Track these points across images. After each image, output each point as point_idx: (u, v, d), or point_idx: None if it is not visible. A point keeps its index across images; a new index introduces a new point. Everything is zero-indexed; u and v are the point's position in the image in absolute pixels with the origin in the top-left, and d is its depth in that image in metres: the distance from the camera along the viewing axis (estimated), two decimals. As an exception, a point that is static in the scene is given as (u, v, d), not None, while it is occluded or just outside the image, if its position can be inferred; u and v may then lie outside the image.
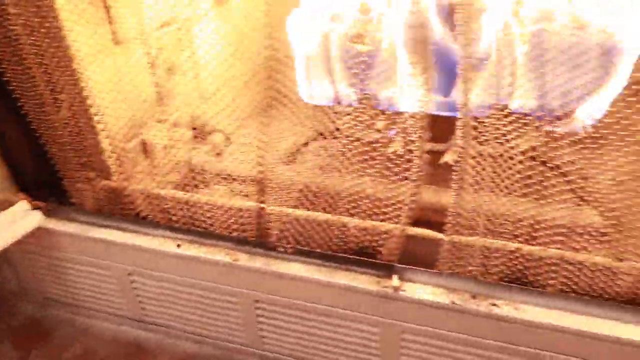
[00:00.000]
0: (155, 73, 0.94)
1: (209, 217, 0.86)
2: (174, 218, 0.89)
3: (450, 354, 0.79)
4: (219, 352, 0.98)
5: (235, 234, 0.85)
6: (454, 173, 0.68)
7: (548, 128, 0.75)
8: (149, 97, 0.96)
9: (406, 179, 0.71)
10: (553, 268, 0.72)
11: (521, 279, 0.75)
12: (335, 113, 0.80)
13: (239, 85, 0.84)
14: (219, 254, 0.84)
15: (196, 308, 0.93)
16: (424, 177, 0.70)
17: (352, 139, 0.78)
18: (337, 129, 0.80)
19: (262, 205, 0.82)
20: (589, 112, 0.79)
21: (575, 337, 0.69)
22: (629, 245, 0.71)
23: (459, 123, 0.64)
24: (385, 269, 0.78)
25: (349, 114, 0.78)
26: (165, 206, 0.89)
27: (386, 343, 0.82)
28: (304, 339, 0.89)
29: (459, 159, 0.65)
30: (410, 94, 0.66)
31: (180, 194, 0.87)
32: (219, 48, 0.85)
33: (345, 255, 0.81)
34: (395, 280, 0.76)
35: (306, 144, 0.92)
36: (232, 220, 0.84)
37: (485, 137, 0.69)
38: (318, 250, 0.81)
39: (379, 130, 0.73)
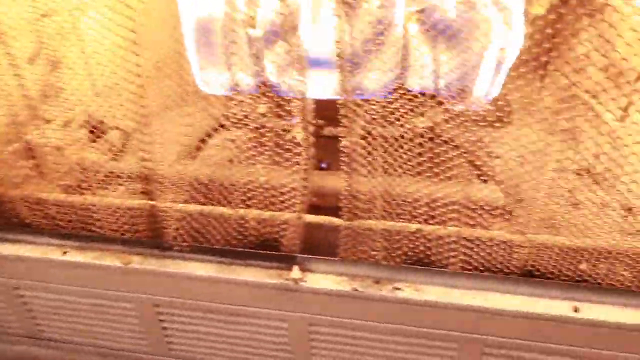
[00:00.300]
0: (36, 68, 0.86)
1: (97, 220, 0.79)
2: (61, 223, 0.81)
3: (358, 341, 0.77)
4: (125, 364, 0.92)
5: (127, 235, 0.79)
6: (342, 156, 0.65)
7: (445, 106, 0.73)
8: (31, 95, 0.88)
9: (297, 164, 0.67)
10: (453, 246, 0.71)
11: (423, 260, 0.73)
12: (233, 102, 0.75)
13: (141, 79, 0.77)
14: (108, 259, 0.78)
15: (94, 318, 0.86)
16: (312, 162, 0.67)
17: (248, 127, 0.73)
18: (235, 119, 0.75)
19: (153, 202, 0.76)
20: (486, 89, 0.78)
21: (475, 313, 0.69)
22: (529, 219, 0.71)
23: (341, 105, 0.61)
24: (287, 261, 0.74)
25: (243, 102, 0.74)
26: (50, 211, 0.81)
27: (295, 336, 0.79)
28: (212, 341, 0.84)
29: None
30: (290, 78, 0.63)
31: (65, 198, 0.80)
32: (113, 40, 0.78)
33: (246, 249, 0.77)
34: (295, 272, 0.73)
35: (209, 135, 0.87)
36: (122, 222, 0.78)
37: (377, 117, 0.67)
38: (217, 246, 0.77)
39: (263, 115, 0.69)
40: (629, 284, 0.66)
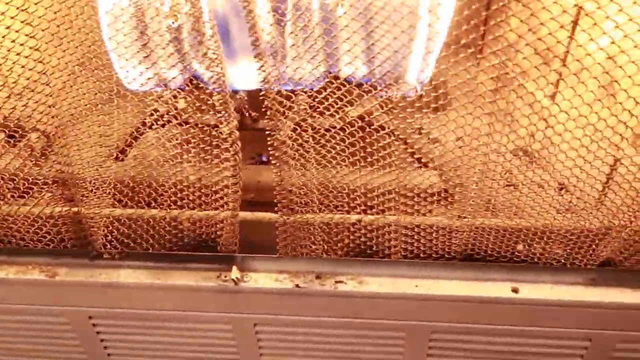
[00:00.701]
0: None
1: (17, 232, 0.73)
2: (-24, 237, 0.75)
3: (306, 337, 0.75)
4: (66, 380, 0.87)
5: (51, 246, 0.73)
6: (272, 149, 0.62)
7: (379, 94, 0.71)
8: None
9: (227, 160, 0.64)
10: (393, 235, 0.70)
11: (365, 251, 0.72)
12: (157, 99, 0.71)
13: (63, 77, 0.71)
14: (32, 273, 0.72)
15: (27, 336, 0.80)
16: (240, 157, 0.63)
17: (175, 124, 0.69)
18: (160, 116, 0.71)
19: (76, 209, 0.71)
20: (419, 74, 0.77)
21: (419, 301, 0.68)
22: (468, 203, 0.71)
23: (266, 97, 0.58)
24: (226, 261, 0.71)
25: (168, 98, 0.69)
26: (-38, 224, 0.74)
27: (242, 338, 0.76)
28: (156, 349, 0.80)
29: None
30: (211, 71, 0.59)
31: (-22, 209, 0.74)
32: (24, 38, 0.72)
33: (182, 252, 0.73)
34: (235, 272, 0.70)
35: (135, 135, 0.82)
36: (45, 231, 0.73)
37: (307, 108, 0.64)
38: (151, 251, 0.73)
39: (186, 110, 0.65)
40: (564, 262, 0.67)
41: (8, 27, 0.63)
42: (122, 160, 0.83)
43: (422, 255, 0.71)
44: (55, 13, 0.62)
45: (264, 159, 0.96)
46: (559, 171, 0.67)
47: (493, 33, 0.59)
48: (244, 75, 0.74)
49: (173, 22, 0.72)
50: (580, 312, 0.66)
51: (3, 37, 0.62)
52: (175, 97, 0.63)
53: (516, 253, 0.69)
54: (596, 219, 0.66)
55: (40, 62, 0.66)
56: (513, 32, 0.57)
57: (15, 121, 0.89)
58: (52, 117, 0.72)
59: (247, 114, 0.85)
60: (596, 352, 0.70)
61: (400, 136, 0.80)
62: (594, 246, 0.66)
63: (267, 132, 0.63)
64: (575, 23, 0.71)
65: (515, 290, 0.67)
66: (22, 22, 0.63)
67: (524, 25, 0.57)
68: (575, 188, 0.67)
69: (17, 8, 0.62)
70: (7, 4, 0.62)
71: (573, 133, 0.61)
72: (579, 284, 0.67)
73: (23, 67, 0.66)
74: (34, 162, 0.86)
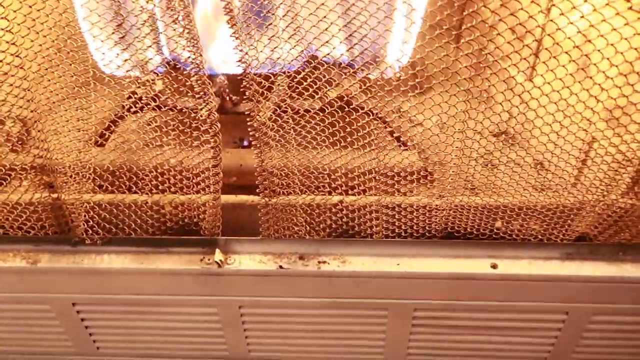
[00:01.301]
0: None
1: (-3, 219, 0.73)
2: (-43, 226, 0.74)
3: (291, 318, 0.76)
4: (52, 367, 0.87)
5: (32, 233, 0.73)
6: (251, 132, 0.62)
7: (357, 74, 0.72)
8: None
9: (207, 143, 0.64)
10: (375, 215, 0.71)
11: (348, 231, 0.73)
12: (135, 82, 0.70)
13: (37, 61, 0.70)
14: (13, 260, 0.71)
15: (11, 325, 0.80)
16: (220, 140, 0.63)
17: (154, 108, 0.69)
18: (139, 99, 0.70)
19: (55, 195, 0.71)
20: (397, 54, 0.77)
21: (401, 279, 0.69)
22: (447, 182, 0.72)
23: (244, 78, 0.58)
24: (209, 244, 0.72)
25: (145, 81, 0.69)
26: (-61, 213, 0.73)
27: (227, 320, 0.77)
28: (140, 335, 0.80)
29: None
30: (187, 53, 0.59)
31: (-45, 197, 0.72)
32: None
33: (165, 236, 0.73)
34: (218, 255, 0.70)
35: (114, 120, 0.81)
36: (24, 218, 0.72)
37: (286, 90, 0.64)
38: (133, 235, 0.72)
39: (163, 92, 0.65)
40: (541, 237, 0.69)
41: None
42: (102, 145, 0.82)
43: (403, 234, 0.72)
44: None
45: (246, 143, 0.96)
46: (536, 150, 0.69)
47: (472, 14, 0.60)
48: (223, 58, 0.74)
49: (147, 1, 0.71)
50: (557, 286, 0.68)
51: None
52: (152, 80, 0.63)
53: (495, 230, 0.70)
54: (571, 195, 0.68)
55: (13, 44, 0.65)
56: (491, 12, 0.57)
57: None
58: (28, 101, 0.71)
59: (227, 98, 0.84)
60: (573, 324, 0.72)
61: (379, 116, 0.80)
62: (569, 221, 0.68)
63: (246, 115, 0.63)
64: (548, 11, 0.73)
65: (494, 266, 0.68)
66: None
67: (500, 9, 0.58)
68: (552, 165, 0.69)
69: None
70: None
71: (548, 110, 0.62)
72: (555, 258, 0.69)
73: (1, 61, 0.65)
74: (10, 148, 0.85)
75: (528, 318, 0.72)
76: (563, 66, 0.58)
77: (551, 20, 0.56)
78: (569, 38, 0.55)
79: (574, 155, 0.64)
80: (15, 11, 0.60)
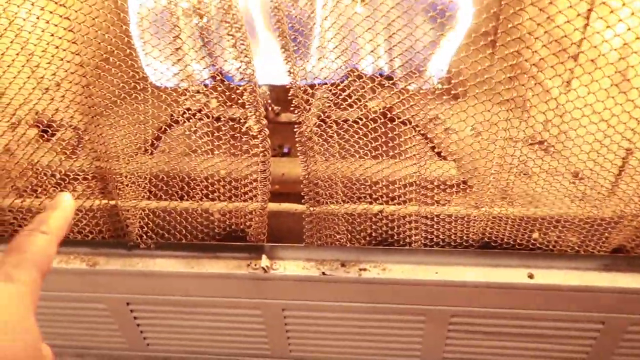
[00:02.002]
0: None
1: (58, 223, 0.78)
2: (19, 230, 0.79)
3: (331, 322, 0.79)
4: (104, 361, 0.93)
5: (90, 237, 0.78)
6: (299, 143, 0.65)
7: (399, 86, 0.74)
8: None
9: (256, 155, 0.68)
10: (414, 225, 0.73)
11: (387, 240, 0.75)
12: (186, 93, 0.74)
13: (89, 73, 0.75)
14: (74, 262, 0.77)
15: (68, 321, 0.86)
16: (270, 151, 0.67)
17: (203, 119, 0.73)
18: (188, 111, 0.74)
19: (112, 202, 0.75)
20: (438, 65, 0.79)
21: (439, 287, 0.72)
22: (483, 192, 0.74)
23: (290, 91, 0.61)
24: (255, 250, 0.75)
25: (198, 92, 0.73)
26: (6, 218, 0.79)
27: (270, 322, 0.81)
28: (189, 333, 0.85)
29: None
30: (239, 66, 0.62)
31: (21, 202, 0.78)
32: (54, 32, 0.75)
33: (213, 242, 0.77)
34: (264, 261, 0.74)
35: (162, 129, 0.85)
36: (84, 223, 0.77)
37: (331, 102, 0.67)
38: (183, 241, 0.77)
39: (217, 107, 0.68)
40: (578, 249, 0.70)
41: (47, 22, 0.66)
42: (152, 153, 0.87)
43: (441, 243, 0.74)
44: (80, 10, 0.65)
45: (286, 150, 0.99)
46: (571, 159, 0.70)
47: (508, 23, 0.61)
48: (267, 70, 0.77)
49: (199, 21, 0.75)
50: (593, 297, 0.70)
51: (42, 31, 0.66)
52: (204, 94, 0.67)
53: (532, 241, 0.72)
54: (608, 207, 0.69)
55: (77, 54, 0.69)
56: (527, 22, 0.59)
57: (49, 116, 0.93)
58: (84, 111, 0.76)
59: (270, 108, 0.88)
60: (608, 334, 0.74)
61: (421, 127, 0.82)
62: (606, 234, 0.69)
63: (294, 126, 0.66)
64: (588, 14, 0.73)
65: (530, 276, 0.70)
66: (60, 16, 0.66)
67: (537, 14, 0.59)
68: (589, 177, 0.70)
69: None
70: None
71: (585, 123, 0.63)
72: (592, 269, 0.70)
73: (62, 59, 0.69)
74: (67, 156, 0.90)
75: (563, 327, 0.74)
76: (601, 71, 0.59)
77: (587, 25, 0.57)
78: (605, 41, 0.56)
79: (611, 166, 0.65)
80: (79, 24, 0.64)
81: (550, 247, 0.71)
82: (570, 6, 0.56)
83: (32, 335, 0.33)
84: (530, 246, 0.72)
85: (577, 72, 0.62)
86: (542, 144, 0.82)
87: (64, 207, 0.41)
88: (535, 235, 0.72)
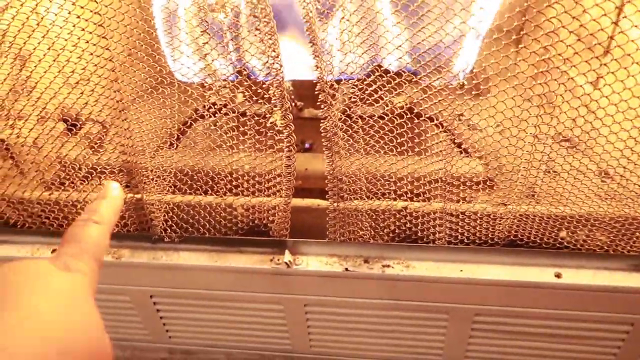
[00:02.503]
0: (3, 65, 0.83)
1: (85, 216, 0.79)
2: (47, 222, 0.81)
3: (353, 318, 0.79)
4: (127, 353, 0.94)
5: (116, 230, 0.79)
6: (323, 139, 0.65)
7: (424, 82, 0.73)
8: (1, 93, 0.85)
9: (280, 151, 0.68)
10: (438, 222, 0.73)
11: (411, 236, 0.75)
12: (210, 88, 0.74)
13: (114, 68, 0.76)
14: (100, 254, 0.78)
15: (92, 312, 0.87)
16: (294, 147, 0.67)
17: (228, 114, 0.73)
18: (213, 105, 0.75)
19: (138, 195, 0.76)
20: (463, 61, 0.78)
21: (463, 285, 0.71)
22: (510, 190, 0.73)
23: (316, 87, 0.61)
24: (278, 245, 0.76)
25: (224, 88, 0.73)
26: (34, 210, 0.80)
27: (292, 317, 0.81)
28: (211, 326, 0.86)
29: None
30: (265, 62, 0.62)
31: (48, 195, 0.79)
32: (80, 29, 0.76)
33: (236, 236, 0.78)
34: (287, 256, 0.74)
35: (187, 124, 0.86)
36: (110, 216, 0.78)
37: (356, 98, 0.67)
38: (207, 235, 0.77)
39: (242, 102, 0.69)
40: (607, 248, 0.69)
41: (78, 17, 0.66)
42: (176, 147, 0.88)
43: (466, 241, 0.73)
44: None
45: (307, 145, 0.99)
46: (601, 157, 0.68)
47: (535, 20, 0.60)
48: (291, 65, 0.77)
49: (226, 15, 0.75)
50: (622, 297, 0.68)
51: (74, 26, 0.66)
52: (230, 89, 0.67)
53: (559, 240, 0.71)
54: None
55: (107, 49, 0.70)
56: (555, 18, 0.58)
57: (78, 110, 0.94)
58: (111, 105, 0.76)
59: (293, 104, 0.88)
60: (638, 336, 0.72)
61: (446, 124, 0.81)
62: (637, 233, 0.68)
63: (316, 121, 0.66)
64: (620, 9, 0.72)
65: (558, 276, 0.69)
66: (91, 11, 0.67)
67: (566, 12, 0.58)
68: (621, 175, 0.68)
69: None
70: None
71: (615, 119, 0.62)
72: (621, 269, 0.69)
73: (91, 54, 0.70)
74: (94, 149, 0.92)
75: (591, 327, 0.73)
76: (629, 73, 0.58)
77: (615, 23, 0.56)
78: (632, 42, 0.55)
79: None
80: (109, 19, 0.65)
81: (579, 246, 0.70)
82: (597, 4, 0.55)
83: (97, 321, 0.34)
84: (558, 245, 0.71)
85: (610, 67, 0.61)
86: (571, 141, 0.80)
87: (113, 197, 0.42)
88: (563, 234, 0.70)
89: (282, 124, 0.65)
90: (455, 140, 0.80)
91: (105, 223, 0.39)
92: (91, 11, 0.64)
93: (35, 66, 0.74)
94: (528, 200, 0.72)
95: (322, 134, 0.65)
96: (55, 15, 0.69)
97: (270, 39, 0.60)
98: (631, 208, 0.67)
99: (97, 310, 0.35)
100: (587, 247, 0.70)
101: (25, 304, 0.31)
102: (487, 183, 0.74)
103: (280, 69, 0.62)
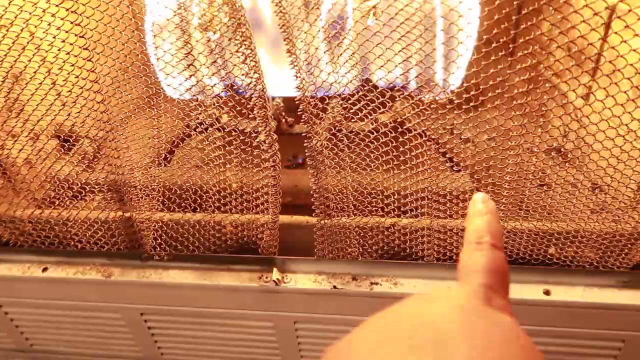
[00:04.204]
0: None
1: (75, 234, 0.79)
2: (38, 240, 0.81)
3: (342, 335, 0.78)
4: (120, 369, 0.94)
5: (106, 248, 0.79)
6: (309, 155, 0.65)
7: (412, 97, 0.73)
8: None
9: (267, 169, 0.68)
10: (427, 239, 0.73)
11: (399, 253, 0.75)
12: (199, 106, 0.75)
13: (106, 86, 0.76)
14: (90, 273, 0.78)
15: (84, 330, 0.87)
16: (280, 166, 0.67)
17: (216, 131, 0.73)
18: (201, 124, 0.75)
19: (127, 214, 0.76)
20: (450, 77, 0.78)
21: (452, 302, 0.70)
22: (499, 205, 0.72)
23: (301, 104, 0.61)
24: (267, 263, 0.76)
25: (211, 106, 0.73)
26: (26, 228, 0.81)
27: (282, 335, 0.81)
28: (202, 343, 0.86)
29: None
30: (248, 79, 0.62)
31: (39, 213, 0.80)
32: (72, 47, 0.77)
33: (225, 254, 0.78)
34: (275, 274, 0.74)
35: (176, 142, 0.86)
36: (100, 235, 0.78)
37: (342, 114, 0.67)
38: (196, 252, 0.77)
39: (216, 119, 0.69)
40: (596, 264, 0.68)
41: (63, 41, 0.67)
42: (165, 165, 0.88)
43: (454, 257, 0.73)
44: (98, 21, 0.66)
45: (300, 161, 0.99)
46: (592, 171, 0.68)
47: (525, 35, 0.60)
48: (279, 82, 0.77)
49: (213, 33, 0.76)
50: (613, 314, 0.68)
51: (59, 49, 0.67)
52: (216, 105, 0.67)
53: (548, 256, 0.70)
54: (630, 221, 0.67)
55: (92, 71, 0.70)
56: (545, 35, 0.58)
57: (68, 128, 0.95)
58: (99, 126, 0.77)
59: (283, 120, 0.88)
60: (629, 353, 0.71)
61: (432, 137, 0.81)
62: (626, 249, 0.67)
63: (304, 137, 0.66)
64: (607, 25, 0.71)
65: (547, 293, 0.68)
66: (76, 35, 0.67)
67: (556, 27, 0.58)
68: (610, 187, 0.68)
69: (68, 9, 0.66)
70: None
71: (606, 133, 0.61)
72: (611, 286, 0.68)
73: (77, 77, 0.70)
74: (85, 167, 0.92)
75: (581, 345, 0.72)
76: (620, 88, 0.57)
77: (603, 39, 0.56)
78: (630, 65, 0.55)
79: (634, 180, 0.63)
80: (90, 39, 0.65)
81: (568, 262, 0.70)
82: (596, 13, 0.55)
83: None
84: (547, 261, 0.71)
85: (600, 81, 0.61)
86: (562, 153, 0.80)
87: (491, 210, 0.34)
88: (552, 250, 0.70)
89: (266, 143, 0.65)
90: (445, 155, 0.80)
91: (499, 246, 0.32)
92: (75, 35, 0.65)
93: (26, 84, 0.75)
94: (517, 216, 0.72)
95: (307, 152, 0.65)
96: (42, 38, 0.70)
97: (252, 60, 0.60)
98: (620, 223, 0.67)
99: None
100: (576, 263, 0.69)
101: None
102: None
103: (263, 90, 0.62)
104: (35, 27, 0.69)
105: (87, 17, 0.66)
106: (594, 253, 0.68)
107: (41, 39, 0.70)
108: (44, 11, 0.64)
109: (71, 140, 0.95)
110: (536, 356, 0.26)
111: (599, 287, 0.68)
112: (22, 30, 0.69)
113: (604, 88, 0.59)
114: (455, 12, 0.67)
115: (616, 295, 0.67)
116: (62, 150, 0.94)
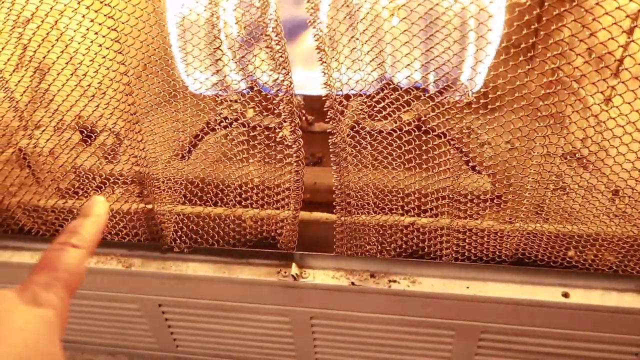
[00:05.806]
0: (23, 75, 0.86)
1: (97, 225, 0.80)
2: (61, 229, 0.82)
3: (359, 332, 0.79)
4: (134, 361, 0.95)
5: (127, 239, 0.80)
6: (332, 153, 0.66)
7: (433, 98, 0.74)
8: (21, 103, 0.88)
9: (289, 164, 0.69)
10: (446, 238, 0.73)
11: (418, 252, 0.75)
12: (223, 101, 0.76)
13: (129, 80, 0.78)
14: (110, 263, 0.79)
15: (102, 320, 0.88)
16: (303, 160, 0.68)
17: (240, 127, 0.74)
18: (225, 118, 0.76)
19: (149, 206, 0.78)
20: (472, 77, 0.79)
21: (469, 302, 0.71)
22: (518, 207, 0.73)
23: (327, 101, 0.62)
24: (286, 258, 0.76)
25: (235, 101, 0.74)
26: (49, 218, 0.82)
27: (298, 330, 0.81)
28: (217, 337, 0.86)
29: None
30: (275, 77, 0.63)
31: (62, 203, 0.81)
32: (97, 41, 0.78)
33: (245, 248, 0.79)
34: (294, 269, 0.74)
35: (199, 136, 0.88)
36: (121, 226, 0.79)
37: (365, 112, 0.68)
38: (216, 246, 0.78)
39: (241, 114, 0.70)
40: (616, 268, 0.68)
41: (96, 33, 0.68)
42: (188, 159, 0.89)
43: (473, 257, 0.73)
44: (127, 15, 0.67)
45: (317, 159, 1.00)
46: (608, 176, 0.68)
47: (547, 39, 0.60)
48: (302, 79, 0.78)
49: (239, 32, 0.77)
50: (631, 319, 0.68)
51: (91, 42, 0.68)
52: (241, 103, 0.68)
53: (567, 259, 0.70)
54: (650, 227, 0.67)
55: (122, 64, 0.71)
56: (565, 40, 0.58)
57: (93, 122, 0.96)
58: (125, 118, 0.78)
59: (304, 118, 0.89)
60: (647, 358, 0.71)
61: (454, 139, 0.82)
62: (647, 254, 0.67)
63: (323, 135, 0.67)
64: (630, 32, 0.72)
65: (565, 295, 0.68)
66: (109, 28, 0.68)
67: (579, 30, 0.58)
68: (630, 196, 0.68)
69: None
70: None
71: (627, 140, 0.61)
72: (631, 290, 0.68)
73: (107, 68, 0.71)
74: (108, 160, 0.94)
75: (599, 348, 0.72)
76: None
77: (631, 42, 0.56)
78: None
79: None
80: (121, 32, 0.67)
81: (587, 265, 0.70)
82: (615, 23, 0.55)
83: None
84: (566, 264, 0.71)
85: (618, 89, 0.61)
86: (580, 160, 0.80)
87: (97, 214, 0.38)
88: (571, 253, 0.70)
89: (291, 138, 0.66)
90: (465, 157, 0.80)
91: (86, 247, 0.35)
92: (108, 27, 0.66)
93: (54, 79, 0.76)
94: (536, 218, 0.72)
95: (331, 149, 0.66)
96: (74, 31, 0.71)
97: (281, 56, 0.61)
98: (640, 228, 0.67)
99: (60, 348, 0.31)
100: (595, 266, 0.69)
101: None
102: (496, 200, 0.74)
103: (290, 86, 0.63)
104: (70, 19, 0.71)
105: (120, 11, 0.68)
106: (614, 257, 0.68)
107: (74, 31, 0.72)
108: (78, 2, 0.66)
109: (94, 135, 0.97)
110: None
111: (617, 291, 0.68)
112: (52, 27, 0.70)
113: (620, 95, 0.59)
114: (483, 12, 0.67)
115: (635, 300, 0.67)
116: (86, 143, 0.95)
